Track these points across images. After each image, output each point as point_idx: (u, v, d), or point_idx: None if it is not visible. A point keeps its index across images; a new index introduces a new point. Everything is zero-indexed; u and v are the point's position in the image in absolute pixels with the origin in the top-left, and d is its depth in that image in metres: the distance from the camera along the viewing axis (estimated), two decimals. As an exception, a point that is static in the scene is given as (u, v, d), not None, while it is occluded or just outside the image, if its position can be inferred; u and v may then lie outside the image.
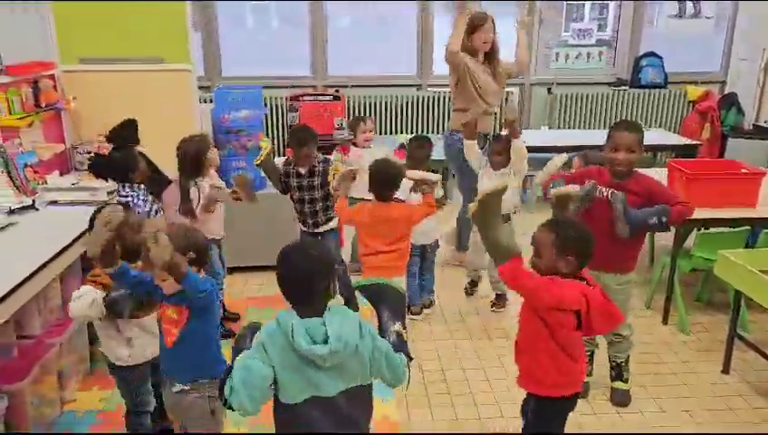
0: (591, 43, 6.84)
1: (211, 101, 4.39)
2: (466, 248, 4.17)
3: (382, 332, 1.87)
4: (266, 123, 6.40)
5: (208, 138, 3.52)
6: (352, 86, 6.61)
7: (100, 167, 3.38)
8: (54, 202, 3.27)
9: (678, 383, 3.12)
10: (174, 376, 2.11)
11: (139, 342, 2.34)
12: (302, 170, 3.51)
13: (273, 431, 1.82)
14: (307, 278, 1.68)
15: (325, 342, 1.63)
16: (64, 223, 2.94)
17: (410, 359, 1.85)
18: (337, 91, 6.48)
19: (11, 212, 3.04)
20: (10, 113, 3.34)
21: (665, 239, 4.02)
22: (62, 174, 3.78)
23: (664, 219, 2.59)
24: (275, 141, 6.56)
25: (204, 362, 2.08)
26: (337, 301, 1.78)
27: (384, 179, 3.01)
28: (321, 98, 6.39)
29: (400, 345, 1.84)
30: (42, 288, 2.73)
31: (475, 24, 4.09)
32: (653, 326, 3.66)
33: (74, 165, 3.94)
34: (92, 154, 3.66)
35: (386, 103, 6.54)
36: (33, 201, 3.17)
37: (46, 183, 3.47)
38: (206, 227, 3.30)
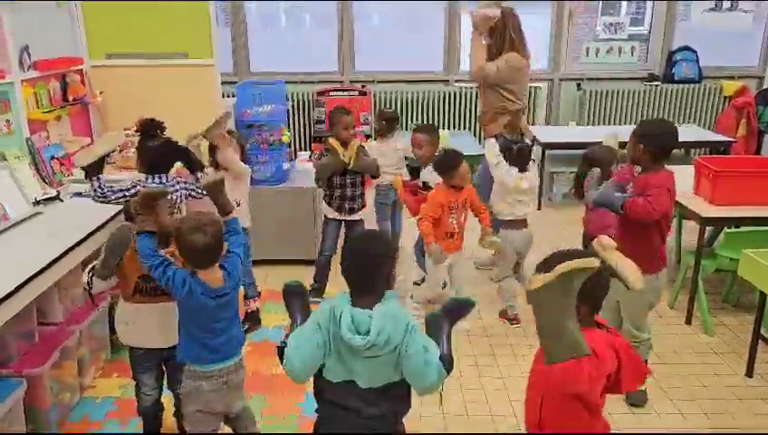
0: (623, 38, 6.71)
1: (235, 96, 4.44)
2: None
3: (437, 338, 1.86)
4: (292, 118, 6.46)
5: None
6: (378, 82, 6.61)
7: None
8: (79, 194, 3.35)
9: (698, 385, 3.04)
10: None
11: (135, 327, 2.39)
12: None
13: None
14: (371, 264, 1.79)
15: (367, 333, 1.70)
16: (87, 213, 3.01)
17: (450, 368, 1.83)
18: (363, 86, 6.52)
19: (36, 203, 3.12)
20: (38, 107, 3.44)
21: (693, 237, 3.92)
22: (89, 167, 3.88)
23: (621, 205, 2.62)
24: (302, 136, 6.62)
25: None
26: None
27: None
28: (347, 93, 6.44)
29: (447, 356, 1.83)
30: (63, 276, 2.82)
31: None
32: (676, 327, 3.58)
33: (101, 158, 4.02)
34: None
35: (412, 99, 6.53)
36: (58, 193, 3.26)
37: (72, 175, 3.56)
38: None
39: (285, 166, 4.34)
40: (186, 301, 2.06)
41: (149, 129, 2.88)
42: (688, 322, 3.59)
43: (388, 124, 4.07)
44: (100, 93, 3.93)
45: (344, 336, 1.72)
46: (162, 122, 2.97)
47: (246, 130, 4.19)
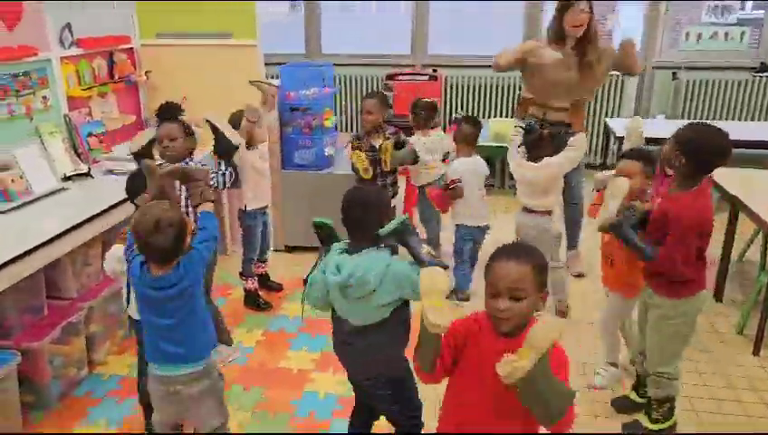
0: (731, 22, 5.97)
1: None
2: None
3: (419, 259, 2.01)
4: (358, 102, 6.34)
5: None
6: (451, 66, 6.33)
7: None
8: (110, 171, 3.39)
9: (750, 429, 2.60)
10: None
11: None
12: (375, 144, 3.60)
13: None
14: (359, 209, 2.01)
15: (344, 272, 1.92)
16: (113, 190, 3.02)
17: (446, 267, 2.01)
18: (435, 71, 6.26)
19: (66, 178, 3.19)
20: (79, 85, 3.51)
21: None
22: (134, 145, 3.95)
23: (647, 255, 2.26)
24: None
25: None
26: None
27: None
28: (417, 78, 6.21)
29: (435, 262, 1.98)
30: (79, 251, 2.87)
31: (564, 4, 3.50)
32: (739, 356, 3.10)
33: (148, 137, 4.08)
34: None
35: (483, 85, 6.19)
36: (89, 169, 3.31)
37: (111, 152, 3.62)
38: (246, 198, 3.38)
39: (328, 151, 4.21)
40: (134, 286, 1.97)
41: (166, 112, 2.86)
42: (756, 351, 3.10)
43: (426, 114, 3.82)
44: (147, 72, 3.97)
45: (327, 277, 1.94)
46: (180, 105, 2.94)
47: (290, 113, 4.10)
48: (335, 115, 4.38)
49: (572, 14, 3.49)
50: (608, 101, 6.04)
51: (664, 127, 5.17)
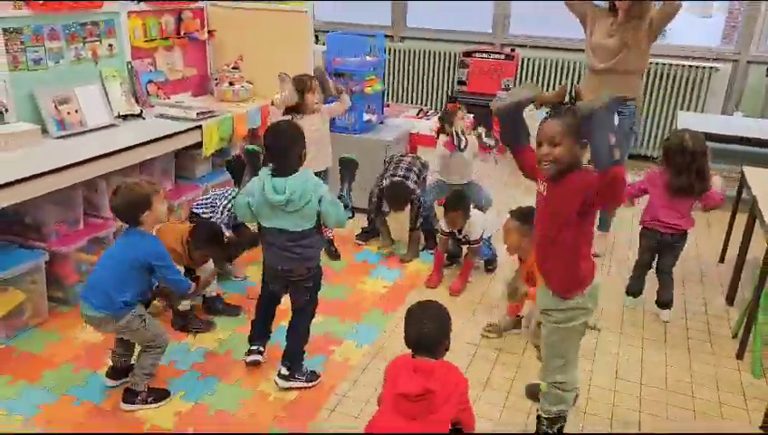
0: None
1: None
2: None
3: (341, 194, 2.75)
4: (435, 77, 6.50)
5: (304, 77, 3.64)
6: (531, 47, 6.27)
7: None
8: (162, 115, 3.86)
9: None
10: None
11: None
12: None
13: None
14: (284, 145, 2.45)
15: (284, 192, 2.40)
16: (157, 130, 3.51)
17: (351, 212, 2.70)
18: (513, 50, 6.24)
19: (119, 117, 3.68)
20: (145, 37, 3.99)
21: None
22: (195, 96, 4.42)
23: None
24: (440, 96, 6.59)
25: None
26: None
27: None
28: (493, 56, 6.23)
29: (346, 202, 2.65)
30: (111, 173, 3.30)
31: None
32: (723, 359, 2.99)
33: (210, 90, 4.53)
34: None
35: (559, 66, 6.09)
36: (141, 111, 3.79)
37: (169, 99, 4.10)
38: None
39: (368, 117, 4.44)
40: None
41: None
42: (740, 356, 2.97)
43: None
44: (210, 31, 4.41)
45: (268, 196, 2.41)
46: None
47: (335, 78, 4.37)
48: (382, 84, 4.60)
49: None
50: (691, 92, 5.72)
51: (740, 126, 4.86)
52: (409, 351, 2.00)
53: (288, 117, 3.46)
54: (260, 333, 2.84)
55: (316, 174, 3.63)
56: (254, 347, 2.81)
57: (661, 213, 3.15)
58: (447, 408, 1.87)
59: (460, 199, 3.52)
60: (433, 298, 2.13)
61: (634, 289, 3.40)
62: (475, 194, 3.90)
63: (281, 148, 2.45)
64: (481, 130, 4.09)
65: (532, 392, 2.60)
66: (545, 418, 2.29)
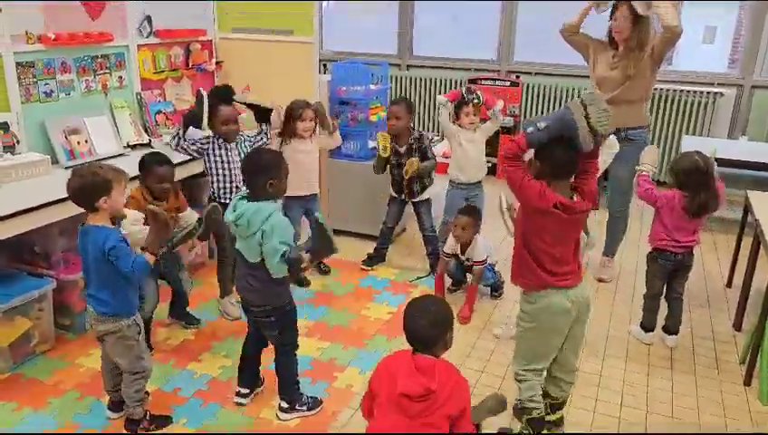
0: None
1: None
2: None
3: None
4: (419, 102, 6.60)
5: (300, 104, 3.79)
6: (536, 74, 6.34)
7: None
8: (169, 144, 3.92)
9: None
10: None
11: None
12: (401, 149, 3.91)
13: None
14: (252, 171, 2.46)
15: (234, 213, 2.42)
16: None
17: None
18: (518, 77, 6.31)
19: (128, 146, 3.76)
20: (154, 69, 4.09)
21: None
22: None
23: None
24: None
25: None
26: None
27: None
28: (498, 83, 6.30)
29: (294, 261, 2.40)
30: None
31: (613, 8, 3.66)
32: (728, 385, 2.96)
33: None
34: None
35: (563, 93, 6.14)
36: (150, 141, 3.87)
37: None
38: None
39: (373, 144, 4.49)
40: None
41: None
42: (747, 382, 2.94)
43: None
44: (218, 63, 4.51)
45: (227, 213, 2.46)
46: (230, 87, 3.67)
47: (340, 106, 4.44)
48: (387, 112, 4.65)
49: (614, 20, 3.66)
50: (696, 117, 5.74)
51: (742, 150, 4.87)
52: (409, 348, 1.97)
53: (279, 139, 3.75)
54: (246, 381, 2.76)
55: (301, 198, 3.80)
56: (241, 390, 2.76)
57: (676, 234, 3.13)
58: (448, 407, 1.87)
59: (474, 209, 3.64)
60: None
61: (651, 323, 3.31)
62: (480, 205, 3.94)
63: (250, 173, 2.48)
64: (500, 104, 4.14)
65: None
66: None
